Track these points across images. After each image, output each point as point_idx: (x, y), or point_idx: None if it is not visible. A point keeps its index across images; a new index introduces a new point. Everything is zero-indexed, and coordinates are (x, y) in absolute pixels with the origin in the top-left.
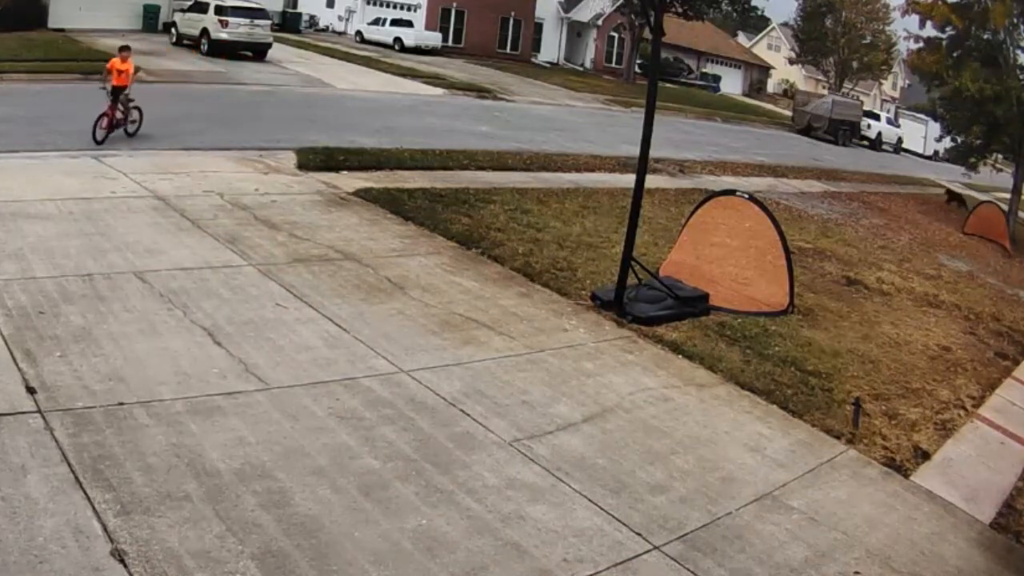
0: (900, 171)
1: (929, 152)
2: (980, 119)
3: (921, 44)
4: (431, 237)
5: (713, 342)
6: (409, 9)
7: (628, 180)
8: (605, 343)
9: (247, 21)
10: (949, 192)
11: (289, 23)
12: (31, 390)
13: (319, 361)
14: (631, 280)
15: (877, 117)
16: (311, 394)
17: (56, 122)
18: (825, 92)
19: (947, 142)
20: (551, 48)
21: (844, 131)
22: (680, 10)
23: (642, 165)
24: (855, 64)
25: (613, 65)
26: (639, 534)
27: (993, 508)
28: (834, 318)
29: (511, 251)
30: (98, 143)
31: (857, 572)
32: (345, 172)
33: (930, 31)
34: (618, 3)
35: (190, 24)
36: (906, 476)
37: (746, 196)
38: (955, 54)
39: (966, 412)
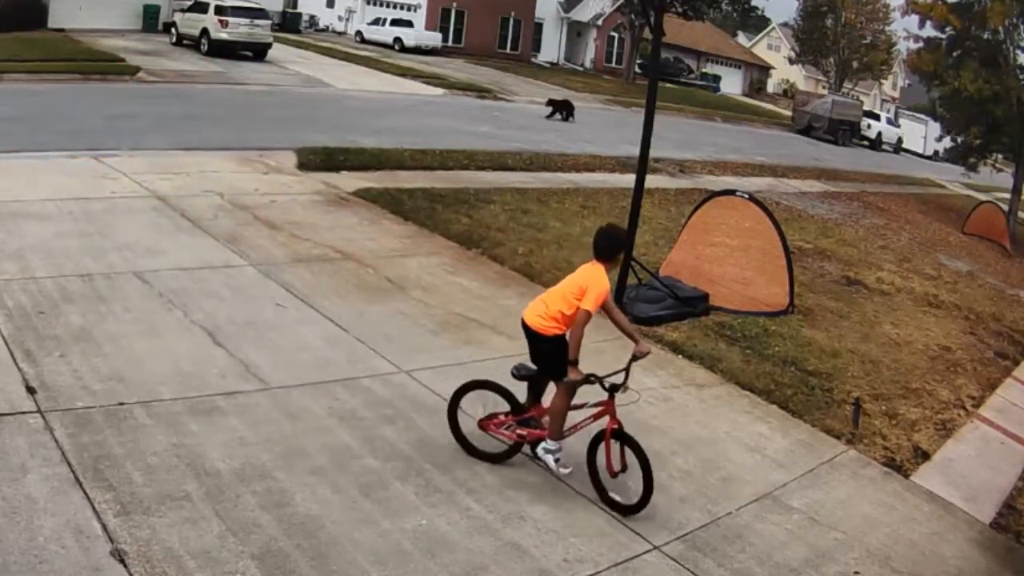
0: (900, 171)
1: (929, 152)
2: (980, 119)
3: (921, 44)
4: (431, 237)
5: (713, 342)
6: (409, 9)
7: (628, 180)
8: (605, 343)
9: (247, 21)
10: (551, 102)
11: (289, 23)
12: (31, 390)
13: (319, 361)
14: (631, 280)
15: (877, 117)
16: (311, 394)
17: (56, 122)
18: (825, 92)
19: (947, 142)
20: (551, 48)
21: (844, 131)
22: (680, 10)
23: (642, 165)
24: (855, 64)
25: (613, 65)
26: (639, 534)
27: (993, 508)
28: (834, 318)
29: (511, 251)
30: None
31: (857, 572)
32: (345, 172)
33: (930, 31)
34: (618, 3)
35: (190, 24)
36: (906, 476)
37: (746, 196)
38: (955, 54)
39: (966, 412)
